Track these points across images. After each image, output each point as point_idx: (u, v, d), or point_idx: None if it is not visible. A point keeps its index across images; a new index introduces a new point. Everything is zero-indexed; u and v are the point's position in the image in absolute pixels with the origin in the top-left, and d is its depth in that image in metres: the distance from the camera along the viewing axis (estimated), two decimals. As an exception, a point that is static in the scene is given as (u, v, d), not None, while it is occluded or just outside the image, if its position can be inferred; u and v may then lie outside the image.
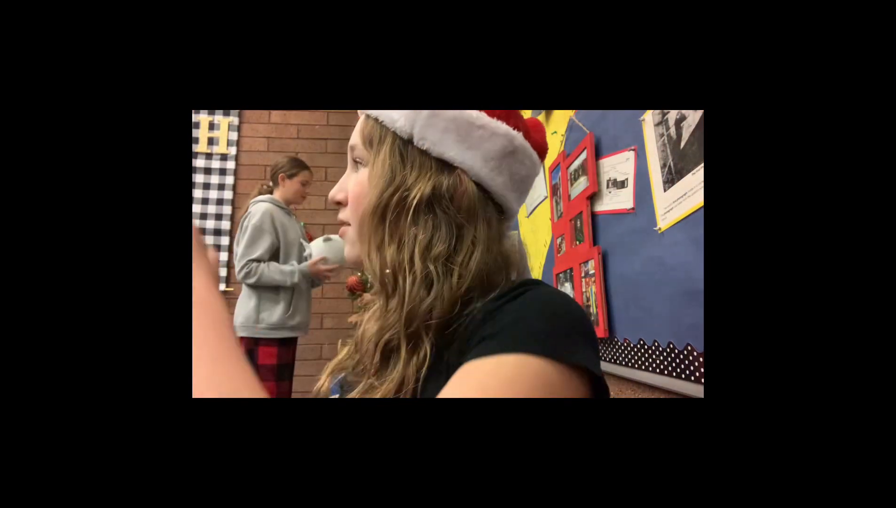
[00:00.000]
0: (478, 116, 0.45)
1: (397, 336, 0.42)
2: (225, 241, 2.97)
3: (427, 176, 0.44)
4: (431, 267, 0.42)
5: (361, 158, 0.48)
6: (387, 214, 0.44)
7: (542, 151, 0.51)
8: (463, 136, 0.44)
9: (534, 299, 0.39)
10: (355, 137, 0.48)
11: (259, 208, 2.05)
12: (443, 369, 0.39)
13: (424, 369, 0.40)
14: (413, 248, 0.42)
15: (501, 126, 0.46)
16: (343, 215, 0.50)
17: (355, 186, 0.48)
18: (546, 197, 1.45)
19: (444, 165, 0.45)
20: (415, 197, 0.43)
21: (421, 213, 0.43)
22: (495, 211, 0.47)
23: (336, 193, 0.50)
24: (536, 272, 1.53)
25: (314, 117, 3.16)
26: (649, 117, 0.87)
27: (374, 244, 0.44)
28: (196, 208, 2.95)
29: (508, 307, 0.38)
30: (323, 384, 0.50)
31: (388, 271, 0.43)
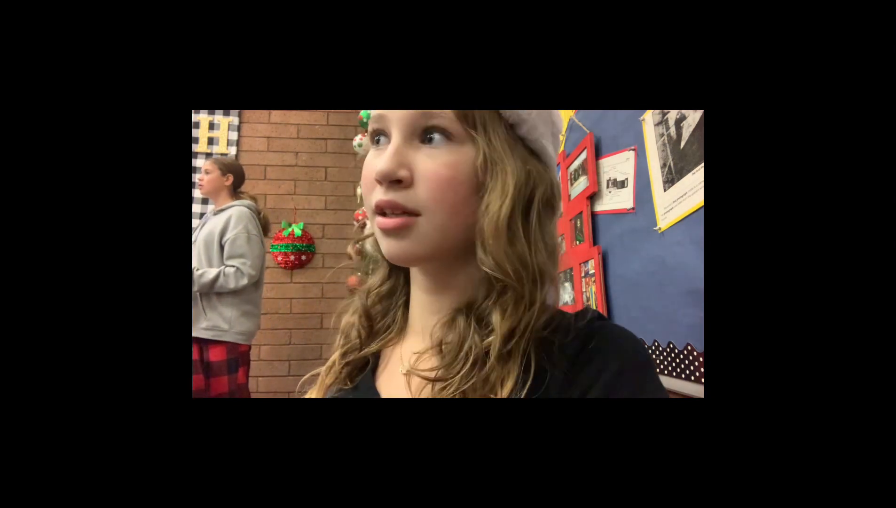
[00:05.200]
0: None
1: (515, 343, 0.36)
2: (225, 241, 2.97)
3: (544, 168, 0.41)
4: (543, 268, 0.39)
5: (453, 131, 0.37)
6: (529, 211, 0.39)
7: None
8: (549, 125, 0.41)
9: (621, 351, 0.36)
10: (438, 113, 0.37)
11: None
12: (544, 378, 0.35)
13: (523, 384, 0.35)
14: (541, 247, 0.40)
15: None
16: (403, 197, 0.37)
17: (443, 167, 0.37)
18: (546, 197, 1.45)
19: (538, 157, 0.41)
20: (543, 192, 0.40)
21: (543, 210, 0.41)
22: None
23: (397, 168, 0.36)
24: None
25: (314, 117, 3.16)
26: (649, 117, 0.87)
27: (505, 243, 0.37)
28: (196, 208, 2.95)
29: (596, 355, 0.35)
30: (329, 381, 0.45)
31: (521, 272, 0.37)
